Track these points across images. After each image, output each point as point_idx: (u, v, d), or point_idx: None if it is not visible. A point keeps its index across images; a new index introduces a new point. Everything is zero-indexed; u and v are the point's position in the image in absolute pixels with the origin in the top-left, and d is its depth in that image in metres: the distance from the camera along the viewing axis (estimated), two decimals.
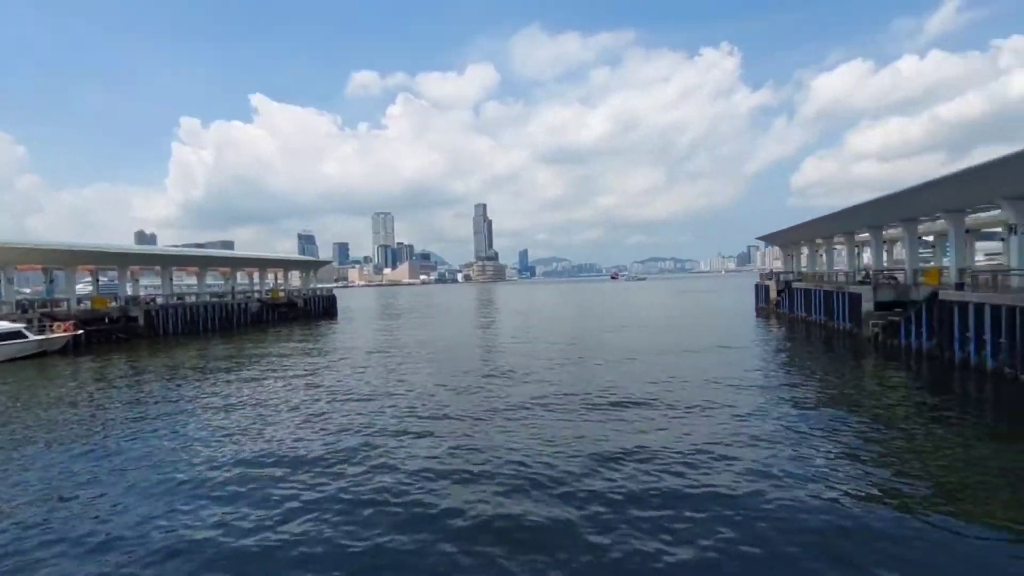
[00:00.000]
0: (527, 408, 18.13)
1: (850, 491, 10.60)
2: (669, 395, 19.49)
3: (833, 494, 10.48)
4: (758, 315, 55.32)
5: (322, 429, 16.42)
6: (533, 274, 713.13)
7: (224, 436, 16.03)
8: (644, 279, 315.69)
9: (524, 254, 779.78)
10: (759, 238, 78.50)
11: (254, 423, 17.45)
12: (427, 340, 41.34)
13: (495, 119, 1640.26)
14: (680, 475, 11.73)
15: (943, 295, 25.24)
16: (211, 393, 22.71)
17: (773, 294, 57.31)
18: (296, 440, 15.30)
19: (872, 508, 9.88)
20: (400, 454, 13.73)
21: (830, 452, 12.94)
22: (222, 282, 76.07)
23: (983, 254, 51.48)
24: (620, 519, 9.74)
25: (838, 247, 52.56)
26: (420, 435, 15.38)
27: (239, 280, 75.60)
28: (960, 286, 25.95)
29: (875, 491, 10.59)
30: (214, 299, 59.93)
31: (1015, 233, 25.26)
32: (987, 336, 21.51)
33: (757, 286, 64.93)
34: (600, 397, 19.48)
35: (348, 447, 14.43)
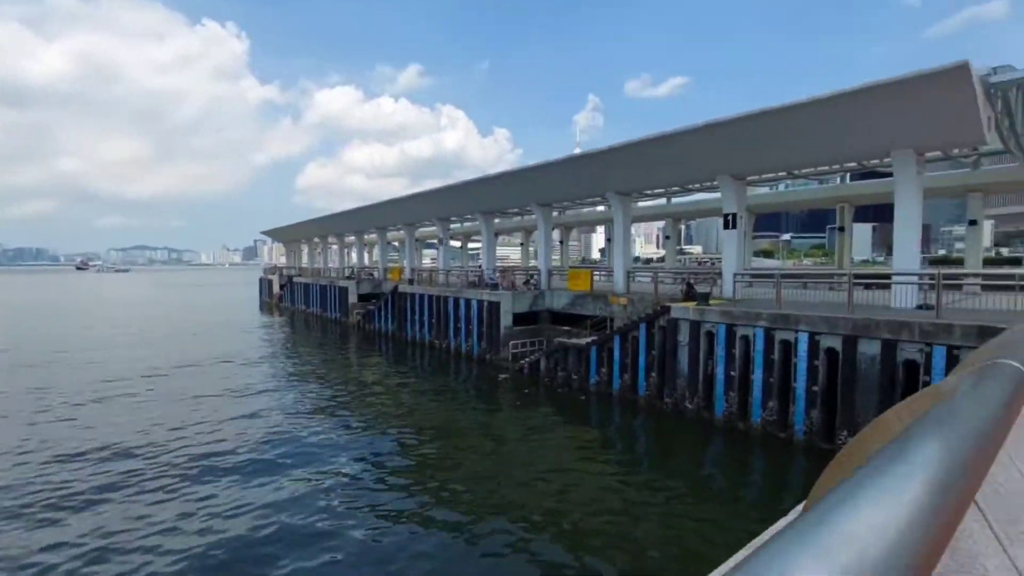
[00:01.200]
0: None
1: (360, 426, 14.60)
2: (168, 443, 13.80)
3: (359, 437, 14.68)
4: (262, 309, 55.81)
5: None
6: None
7: None
8: (128, 271, 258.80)
9: None
10: (264, 232, 79.04)
11: None
12: None
13: None
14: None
15: (402, 288, 32.86)
16: None
17: (276, 288, 59.11)
18: None
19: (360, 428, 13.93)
20: None
21: (329, 421, 16.12)
22: None
23: (429, 258, 70.22)
24: None
25: (333, 246, 59.53)
26: None
27: None
28: (411, 282, 34.48)
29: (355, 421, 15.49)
30: None
31: (442, 244, 35.80)
32: (426, 318, 29.59)
33: (261, 280, 65.33)
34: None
35: None
